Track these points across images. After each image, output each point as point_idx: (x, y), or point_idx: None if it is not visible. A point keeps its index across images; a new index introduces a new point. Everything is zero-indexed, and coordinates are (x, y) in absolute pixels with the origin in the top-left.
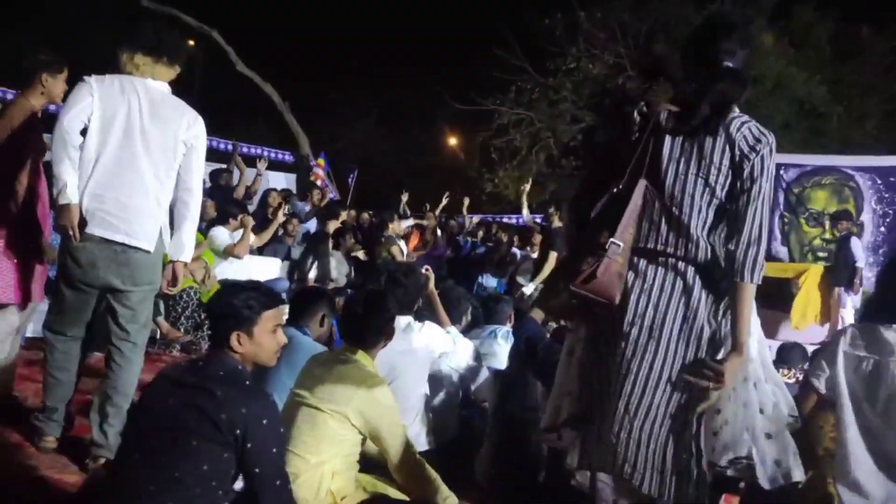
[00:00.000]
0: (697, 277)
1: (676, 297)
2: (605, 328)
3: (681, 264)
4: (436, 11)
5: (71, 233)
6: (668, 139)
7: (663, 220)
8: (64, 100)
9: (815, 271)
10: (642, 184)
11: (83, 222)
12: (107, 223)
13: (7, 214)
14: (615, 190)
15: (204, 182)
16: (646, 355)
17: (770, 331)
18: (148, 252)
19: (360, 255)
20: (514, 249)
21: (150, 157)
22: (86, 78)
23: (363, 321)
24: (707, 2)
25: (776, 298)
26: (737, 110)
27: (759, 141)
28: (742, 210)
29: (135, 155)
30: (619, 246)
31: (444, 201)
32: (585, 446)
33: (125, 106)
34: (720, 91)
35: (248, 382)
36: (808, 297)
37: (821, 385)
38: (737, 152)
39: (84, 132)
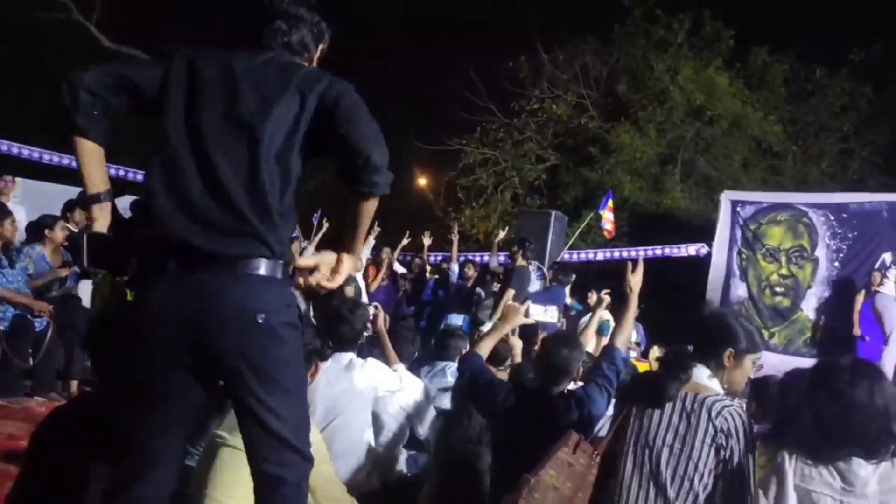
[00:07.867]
0: None
1: None
2: None
3: None
4: (402, 53)
5: None
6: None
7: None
8: None
9: None
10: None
11: None
12: None
13: None
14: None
15: None
16: None
17: None
18: None
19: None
20: (478, 290)
21: None
22: None
23: None
24: (668, 45)
25: None
26: (714, 386)
27: (738, 427)
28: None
29: None
30: None
31: (405, 241)
32: None
33: None
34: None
35: None
36: None
37: None
38: (719, 440)
39: None
